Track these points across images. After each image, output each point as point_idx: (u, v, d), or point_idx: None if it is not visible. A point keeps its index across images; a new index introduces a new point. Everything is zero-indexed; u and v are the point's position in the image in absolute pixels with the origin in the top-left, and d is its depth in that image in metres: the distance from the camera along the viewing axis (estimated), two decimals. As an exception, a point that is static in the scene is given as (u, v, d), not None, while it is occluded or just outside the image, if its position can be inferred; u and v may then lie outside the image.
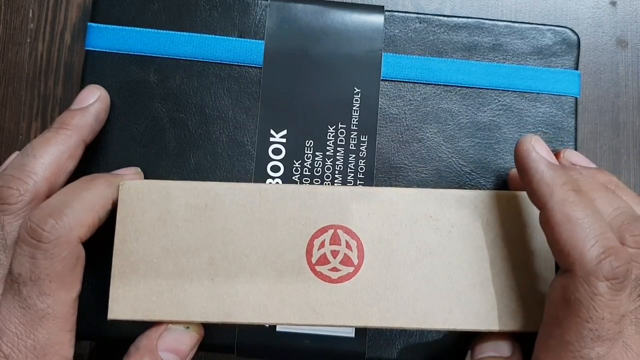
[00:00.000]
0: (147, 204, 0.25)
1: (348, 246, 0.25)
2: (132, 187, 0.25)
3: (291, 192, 0.26)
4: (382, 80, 0.29)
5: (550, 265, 0.25)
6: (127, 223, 0.25)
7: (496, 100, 0.29)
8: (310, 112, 0.29)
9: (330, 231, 0.25)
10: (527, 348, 0.25)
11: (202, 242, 0.25)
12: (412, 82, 0.29)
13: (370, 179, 0.29)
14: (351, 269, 0.25)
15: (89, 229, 0.24)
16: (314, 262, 0.25)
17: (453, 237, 0.25)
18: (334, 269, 0.25)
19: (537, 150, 0.24)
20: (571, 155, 0.28)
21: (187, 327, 0.25)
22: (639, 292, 0.22)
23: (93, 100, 0.27)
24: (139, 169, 0.28)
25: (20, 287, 0.22)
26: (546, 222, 0.23)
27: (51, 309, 0.23)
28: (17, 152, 0.26)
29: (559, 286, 0.22)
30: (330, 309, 0.25)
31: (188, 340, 0.25)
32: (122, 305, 0.25)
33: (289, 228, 0.25)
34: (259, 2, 0.29)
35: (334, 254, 0.25)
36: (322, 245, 0.25)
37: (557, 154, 0.28)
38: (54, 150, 0.25)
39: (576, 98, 0.30)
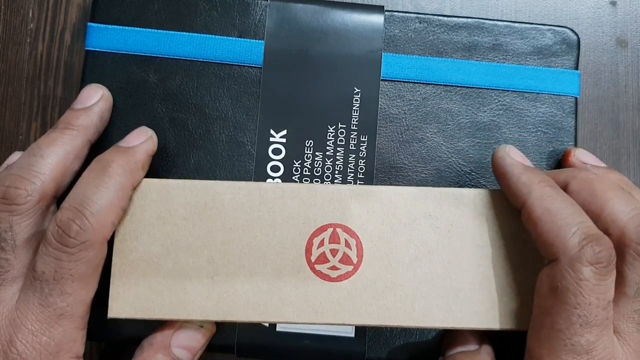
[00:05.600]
0: (147, 202, 0.25)
1: (347, 245, 0.25)
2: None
3: (290, 191, 0.26)
4: (382, 80, 0.29)
5: None
6: (126, 222, 0.25)
7: (496, 100, 0.29)
8: (310, 112, 0.29)
9: (330, 230, 0.25)
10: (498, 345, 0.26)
11: (201, 241, 0.25)
12: (412, 82, 0.29)
13: (370, 179, 0.29)
14: (350, 268, 0.25)
15: (113, 226, 0.24)
16: (313, 260, 0.25)
17: (452, 236, 0.25)
18: (334, 268, 0.25)
19: (512, 155, 0.26)
20: (581, 154, 0.28)
21: (201, 326, 0.25)
22: None
23: (97, 100, 0.27)
24: (150, 132, 0.27)
25: (43, 285, 0.23)
26: (528, 218, 0.24)
27: (70, 307, 0.23)
28: (17, 152, 0.26)
29: (546, 276, 0.23)
30: (330, 308, 0.25)
31: (200, 338, 0.26)
32: (122, 304, 0.25)
33: (289, 227, 0.25)
34: (259, 2, 0.29)
35: (333, 252, 0.25)
36: (321, 243, 0.25)
37: (567, 153, 0.28)
38: (60, 151, 0.25)
39: (576, 98, 0.30)
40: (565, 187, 0.25)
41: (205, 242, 0.25)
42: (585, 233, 0.22)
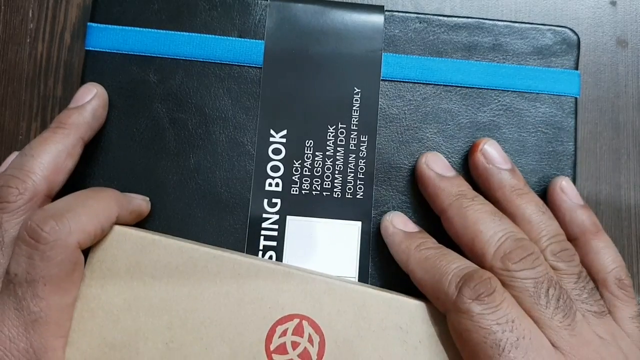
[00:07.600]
0: (120, 252, 0.25)
1: (310, 340, 0.24)
2: (109, 231, 0.25)
3: (265, 271, 0.25)
4: (382, 80, 0.29)
5: None
6: (96, 268, 0.24)
7: (496, 100, 0.29)
8: (310, 112, 0.29)
9: (296, 320, 0.24)
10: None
11: (164, 304, 0.24)
12: (412, 82, 0.29)
13: (370, 179, 0.29)
14: None
15: (89, 237, 0.23)
16: (272, 349, 0.24)
17: (419, 353, 0.24)
18: None
19: (395, 219, 0.28)
20: (488, 149, 0.28)
21: None
22: (563, 307, 0.23)
23: (90, 98, 0.27)
24: (147, 199, 0.28)
25: (16, 288, 0.22)
26: (415, 283, 0.25)
27: (44, 313, 0.22)
28: (15, 152, 0.26)
29: (451, 328, 0.24)
30: None
31: None
32: (74, 350, 0.24)
33: (255, 308, 0.24)
34: (259, 2, 0.29)
35: (294, 345, 0.24)
36: (284, 333, 0.24)
37: (475, 146, 0.28)
38: (51, 150, 0.25)
39: (576, 98, 0.30)
40: (443, 213, 0.26)
41: (168, 305, 0.24)
42: (458, 275, 0.23)
